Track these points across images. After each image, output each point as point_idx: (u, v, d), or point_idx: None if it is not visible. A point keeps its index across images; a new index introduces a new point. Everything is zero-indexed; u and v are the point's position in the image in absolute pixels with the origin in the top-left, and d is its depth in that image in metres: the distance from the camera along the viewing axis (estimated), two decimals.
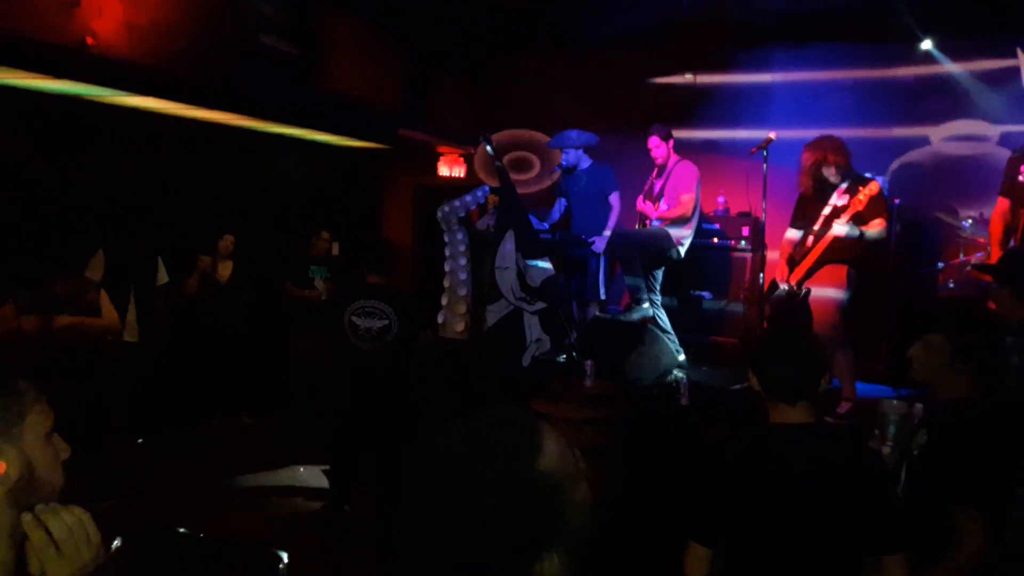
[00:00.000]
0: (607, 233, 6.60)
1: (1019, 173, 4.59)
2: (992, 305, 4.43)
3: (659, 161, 6.34)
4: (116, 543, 1.37)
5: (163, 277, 6.52)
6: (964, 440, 2.31)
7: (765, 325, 5.59)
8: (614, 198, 6.68)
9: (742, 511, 2.13)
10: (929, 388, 2.57)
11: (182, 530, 1.48)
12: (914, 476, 2.52)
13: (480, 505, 1.03)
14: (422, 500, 1.07)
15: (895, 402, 4.12)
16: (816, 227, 5.09)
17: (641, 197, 6.52)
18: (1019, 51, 6.25)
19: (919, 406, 3.95)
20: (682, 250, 6.17)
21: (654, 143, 6.29)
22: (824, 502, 2.07)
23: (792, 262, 5.24)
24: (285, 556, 1.39)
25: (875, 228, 4.85)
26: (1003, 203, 4.74)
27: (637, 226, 6.62)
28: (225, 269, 7.05)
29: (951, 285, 5.74)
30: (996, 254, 4.73)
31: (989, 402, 2.38)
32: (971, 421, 2.33)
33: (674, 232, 6.19)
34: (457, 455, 1.08)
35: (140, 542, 1.41)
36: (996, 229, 4.76)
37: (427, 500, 1.07)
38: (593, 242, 6.53)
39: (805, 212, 5.27)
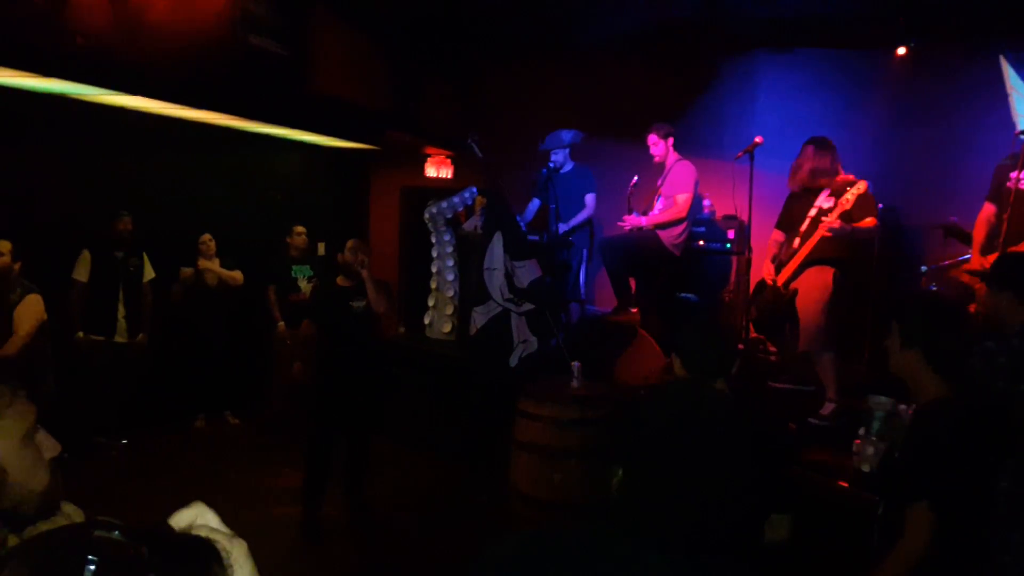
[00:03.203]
0: (572, 224, 6.65)
1: (1007, 179, 4.61)
2: (974, 308, 4.48)
3: (657, 159, 6.32)
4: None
5: (149, 273, 6.50)
6: (932, 441, 2.33)
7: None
8: (589, 198, 6.72)
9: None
10: (907, 389, 2.58)
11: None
12: (888, 474, 2.58)
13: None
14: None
15: (881, 399, 4.10)
16: (803, 228, 5.09)
17: (629, 214, 6.46)
18: (1001, 58, 6.31)
19: (906, 407, 3.96)
20: (674, 253, 6.22)
21: (652, 140, 6.28)
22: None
23: (779, 263, 5.25)
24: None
25: (866, 224, 4.82)
26: (988, 208, 4.78)
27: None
28: (214, 267, 7.00)
29: (934, 288, 5.80)
30: (977, 258, 4.78)
31: (967, 404, 2.38)
32: (942, 423, 2.33)
33: (666, 235, 6.21)
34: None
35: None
36: (979, 233, 4.81)
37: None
38: (573, 243, 6.62)
39: (791, 213, 5.25)
